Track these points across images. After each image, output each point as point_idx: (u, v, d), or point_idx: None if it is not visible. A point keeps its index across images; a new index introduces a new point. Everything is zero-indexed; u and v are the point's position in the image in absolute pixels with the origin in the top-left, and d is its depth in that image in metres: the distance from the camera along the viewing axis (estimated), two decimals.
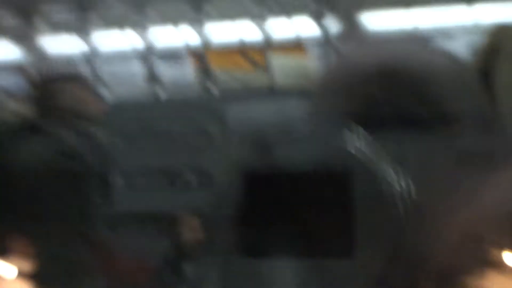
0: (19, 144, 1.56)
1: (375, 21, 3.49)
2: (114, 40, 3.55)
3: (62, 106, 1.67)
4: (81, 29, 3.20)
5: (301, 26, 3.46)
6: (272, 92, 3.29)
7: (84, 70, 3.17)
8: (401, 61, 0.45)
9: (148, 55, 3.31)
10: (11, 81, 3.56)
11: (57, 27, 3.34)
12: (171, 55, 3.52)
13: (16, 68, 3.49)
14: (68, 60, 3.21)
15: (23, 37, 3.27)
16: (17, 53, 3.56)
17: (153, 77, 3.34)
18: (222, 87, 3.42)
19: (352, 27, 3.48)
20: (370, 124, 0.39)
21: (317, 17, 3.17)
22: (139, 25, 3.22)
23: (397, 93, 0.42)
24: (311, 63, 3.51)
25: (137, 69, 3.48)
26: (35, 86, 1.72)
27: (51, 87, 1.68)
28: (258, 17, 3.22)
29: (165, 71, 3.51)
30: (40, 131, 1.54)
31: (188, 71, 3.60)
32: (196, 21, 3.23)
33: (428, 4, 3.29)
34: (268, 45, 3.28)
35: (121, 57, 3.54)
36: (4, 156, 1.52)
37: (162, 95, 3.35)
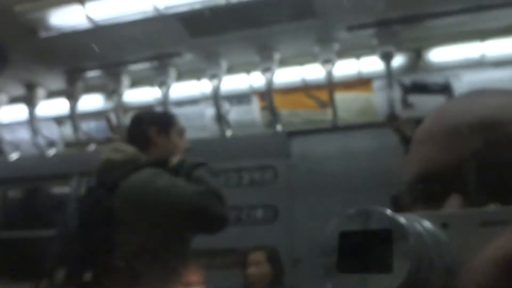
0: (130, 180, 1.54)
1: (443, 55, 3.42)
2: (187, 88, 3.77)
3: (158, 144, 1.71)
4: (161, 82, 3.46)
5: (365, 63, 3.48)
6: (337, 128, 3.30)
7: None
8: (504, 111, 0.44)
9: (217, 98, 3.47)
10: (97, 127, 3.90)
11: (139, 81, 3.67)
12: (239, 98, 3.66)
13: (102, 115, 3.83)
14: (146, 107, 3.45)
15: (111, 92, 3.60)
16: (103, 103, 3.89)
17: (221, 118, 3.48)
18: (287, 125, 3.48)
19: (418, 61, 3.44)
20: (469, 176, 0.40)
21: (386, 57, 3.17)
22: (212, 76, 3.42)
23: (499, 144, 0.41)
24: (376, 98, 3.49)
25: (207, 111, 3.65)
26: (130, 129, 1.77)
27: (149, 127, 1.72)
28: (325, 61, 3.28)
29: (233, 112, 3.64)
30: (143, 169, 1.57)
31: (254, 112, 3.72)
32: (266, 69, 3.36)
33: (498, 35, 3.18)
34: (332, 83, 3.31)
35: (192, 101, 3.74)
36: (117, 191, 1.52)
37: (230, 134, 3.48)
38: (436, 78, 3.40)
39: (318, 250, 0.33)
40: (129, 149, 1.66)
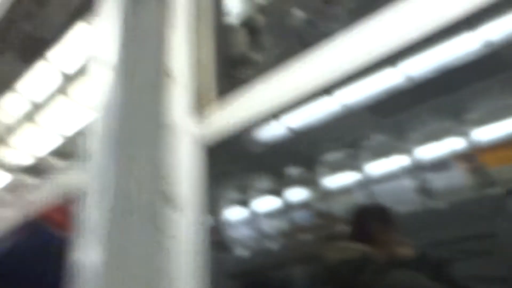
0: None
1: None
2: (384, 165, 3.83)
3: (380, 240, 1.71)
4: (355, 166, 3.62)
5: None
6: None
7: (359, 196, 3.49)
8: None
9: (416, 170, 3.42)
10: (304, 216, 4.20)
11: (334, 167, 3.90)
12: (439, 165, 3.53)
13: (307, 205, 4.13)
14: (346, 191, 3.60)
15: (312, 183, 3.91)
16: (307, 193, 4.22)
17: (424, 190, 3.39)
18: (504, 184, 3.16)
19: None
20: None
21: None
22: (404, 150, 3.44)
23: None
24: None
25: (408, 184, 3.59)
26: (353, 225, 1.83)
27: (372, 224, 1.77)
28: None
29: (435, 180, 3.50)
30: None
31: (458, 176, 3.50)
32: (461, 132, 3.23)
33: None
34: None
35: (391, 176, 3.74)
36: None
37: (436, 205, 3.32)
38: None
39: None
40: (358, 247, 1.70)
